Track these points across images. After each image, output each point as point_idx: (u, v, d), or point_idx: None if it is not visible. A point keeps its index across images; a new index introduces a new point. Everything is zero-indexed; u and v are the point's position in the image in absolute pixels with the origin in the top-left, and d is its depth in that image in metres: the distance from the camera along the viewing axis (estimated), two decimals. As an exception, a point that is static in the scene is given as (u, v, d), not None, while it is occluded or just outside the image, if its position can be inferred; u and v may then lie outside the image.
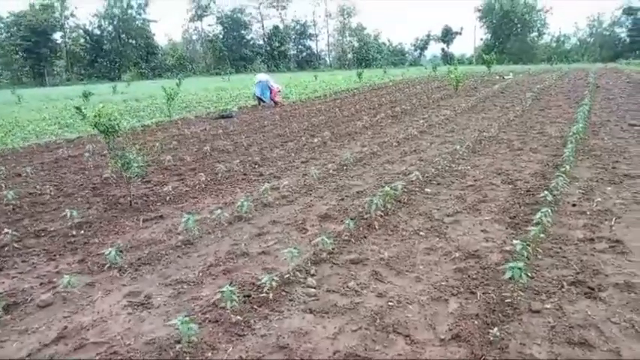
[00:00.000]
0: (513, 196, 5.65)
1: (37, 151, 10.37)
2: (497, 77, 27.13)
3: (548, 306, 3.23)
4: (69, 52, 68.03)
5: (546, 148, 8.25)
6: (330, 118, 13.21)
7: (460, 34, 78.05)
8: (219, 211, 5.02)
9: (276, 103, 18.36)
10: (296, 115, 14.26)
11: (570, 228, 4.60)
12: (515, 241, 3.67)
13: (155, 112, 17.45)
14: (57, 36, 66.80)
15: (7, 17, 63.69)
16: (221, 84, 36.53)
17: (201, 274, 3.95)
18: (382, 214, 5.06)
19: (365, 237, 4.59)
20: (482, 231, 4.64)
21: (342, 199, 5.89)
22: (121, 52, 69.22)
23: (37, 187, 7.12)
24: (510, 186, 6.12)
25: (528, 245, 3.75)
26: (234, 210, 5.39)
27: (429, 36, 79.52)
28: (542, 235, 4.06)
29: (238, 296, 3.38)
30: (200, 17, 78.68)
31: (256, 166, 7.89)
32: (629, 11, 66.09)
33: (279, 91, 19.22)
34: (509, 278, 3.21)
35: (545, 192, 5.06)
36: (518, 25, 73.18)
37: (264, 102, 18.31)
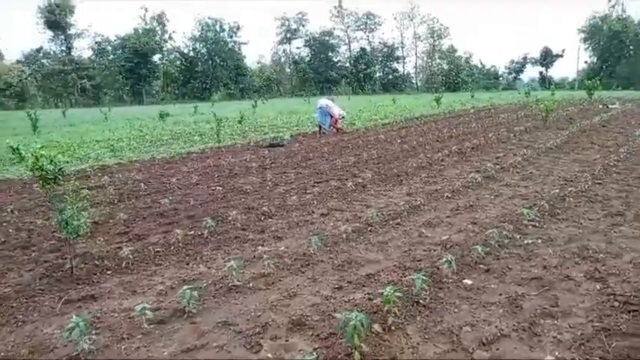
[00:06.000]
0: (601, 310, 3.56)
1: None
2: (600, 106, 23.52)
3: None
4: (165, 72, 72.45)
5: (661, 215, 5.88)
6: (385, 152, 11.41)
7: (561, 56, 72.01)
8: (139, 307, 3.53)
9: (337, 130, 16.93)
10: (348, 147, 12.63)
11: None
12: None
13: (211, 137, 16.75)
14: (156, 58, 71.61)
15: (115, 40, 69.61)
16: (298, 106, 35.95)
17: None
18: (382, 328, 3.30)
19: (332, 381, 2.85)
20: (535, 391, 2.71)
21: (340, 287, 4.16)
22: (212, 73, 72.41)
23: (10, 230, 6.18)
24: (598, 285, 3.99)
25: None
26: (179, 297, 3.89)
27: (525, 58, 74.29)
28: None
29: None
30: (289, 40, 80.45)
31: (263, 218, 6.37)
32: None
33: (343, 117, 17.76)
34: None
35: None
36: (630, 47, 65.84)
37: (325, 129, 16.94)
